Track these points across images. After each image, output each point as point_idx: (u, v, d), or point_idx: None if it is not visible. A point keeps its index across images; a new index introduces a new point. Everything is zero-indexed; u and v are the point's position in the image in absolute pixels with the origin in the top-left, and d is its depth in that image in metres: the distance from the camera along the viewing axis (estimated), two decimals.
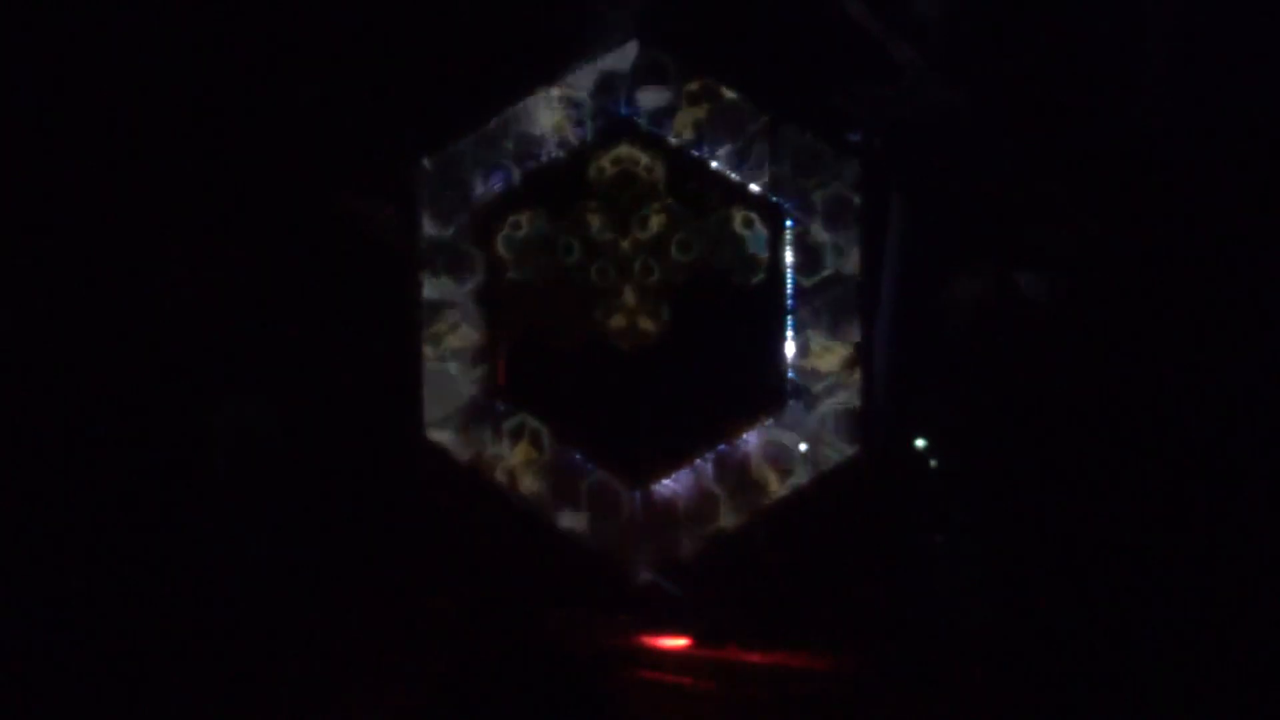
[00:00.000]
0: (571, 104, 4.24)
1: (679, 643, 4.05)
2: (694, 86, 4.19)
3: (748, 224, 4.24)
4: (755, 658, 3.92)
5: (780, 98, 4.17)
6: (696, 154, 4.21)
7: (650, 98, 4.21)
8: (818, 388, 4.18)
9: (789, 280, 4.21)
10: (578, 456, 4.27)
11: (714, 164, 4.22)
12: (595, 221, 4.27)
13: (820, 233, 4.19)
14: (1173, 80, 3.90)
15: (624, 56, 4.21)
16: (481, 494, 4.27)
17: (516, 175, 4.29)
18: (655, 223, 4.25)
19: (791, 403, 4.19)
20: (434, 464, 4.29)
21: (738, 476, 4.21)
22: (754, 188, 4.21)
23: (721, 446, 4.21)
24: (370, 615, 4.07)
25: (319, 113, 4.26)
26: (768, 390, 4.24)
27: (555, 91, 4.24)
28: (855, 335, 4.16)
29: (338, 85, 4.25)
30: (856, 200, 4.13)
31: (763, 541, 4.19)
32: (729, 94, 4.19)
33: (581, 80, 4.24)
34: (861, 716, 3.54)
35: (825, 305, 4.18)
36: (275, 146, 4.27)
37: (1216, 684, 3.37)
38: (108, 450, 4.16)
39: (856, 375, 4.15)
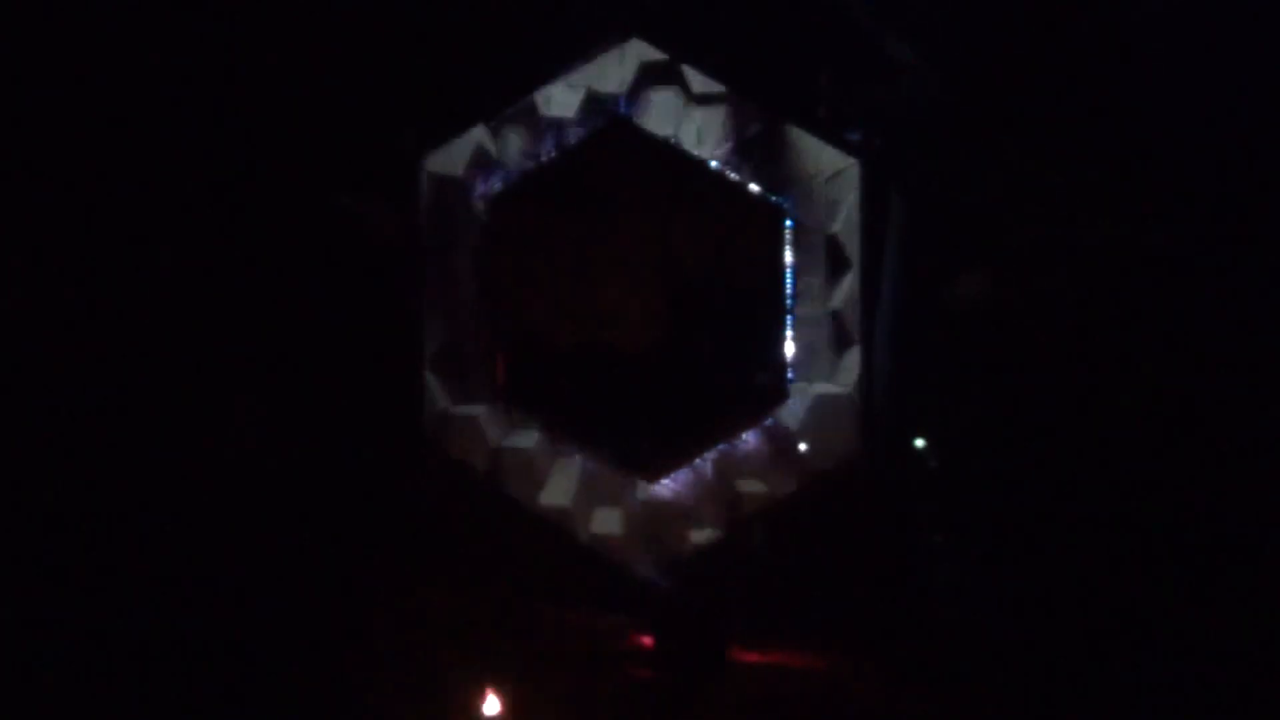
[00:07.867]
0: (572, 103, 4.23)
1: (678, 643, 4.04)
2: (694, 87, 4.19)
3: (748, 224, 4.24)
4: (755, 658, 3.91)
5: (780, 98, 4.17)
6: (696, 154, 4.21)
7: (650, 98, 4.21)
8: (817, 387, 4.19)
9: (789, 280, 4.22)
10: (577, 456, 4.27)
11: (714, 164, 4.22)
12: (595, 221, 4.27)
13: (820, 232, 4.19)
14: (1172, 79, 3.91)
15: (624, 56, 4.21)
16: (482, 494, 4.27)
17: (516, 175, 4.29)
18: (655, 223, 4.26)
19: (791, 402, 4.19)
20: (434, 463, 4.28)
21: (737, 476, 4.20)
22: (754, 188, 4.21)
23: (722, 446, 4.21)
24: (370, 614, 4.07)
25: (319, 112, 4.26)
26: (768, 390, 4.24)
27: (555, 91, 4.24)
28: (855, 335, 4.16)
29: (338, 85, 4.25)
30: (856, 200, 4.13)
31: (763, 541, 4.18)
32: (729, 94, 4.19)
33: (581, 80, 4.24)
34: (862, 716, 3.54)
35: (825, 305, 4.19)
36: (275, 146, 4.28)
37: (1216, 683, 3.38)
38: (107, 450, 4.16)
39: (856, 375, 4.15)
